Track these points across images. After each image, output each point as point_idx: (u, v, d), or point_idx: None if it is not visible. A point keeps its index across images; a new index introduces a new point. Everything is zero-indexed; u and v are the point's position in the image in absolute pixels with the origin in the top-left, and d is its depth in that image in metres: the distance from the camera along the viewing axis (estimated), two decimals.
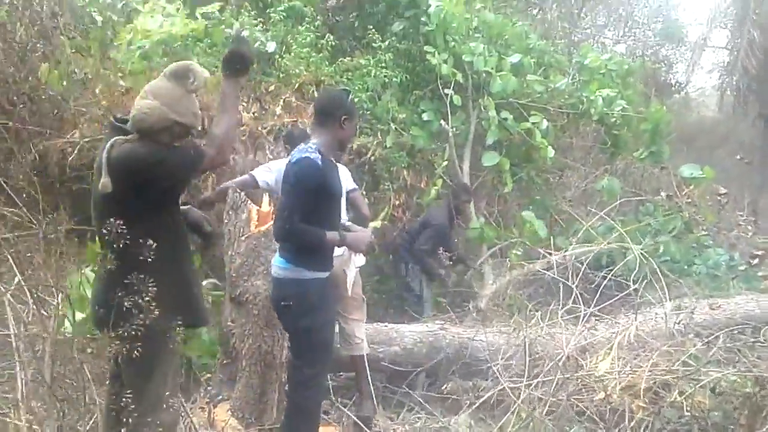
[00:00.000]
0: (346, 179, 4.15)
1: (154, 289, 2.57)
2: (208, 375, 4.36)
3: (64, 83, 5.41)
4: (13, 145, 5.17)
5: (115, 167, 2.64)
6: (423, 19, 6.35)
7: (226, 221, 4.17)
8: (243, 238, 4.02)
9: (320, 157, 3.20)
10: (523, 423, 3.57)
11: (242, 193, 4.12)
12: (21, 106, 5.33)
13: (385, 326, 5.04)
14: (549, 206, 6.54)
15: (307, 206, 3.18)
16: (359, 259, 3.95)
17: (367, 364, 4.32)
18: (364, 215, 4.39)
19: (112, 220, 2.52)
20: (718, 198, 6.31)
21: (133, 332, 2.58)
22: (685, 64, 15.95)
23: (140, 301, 2.58)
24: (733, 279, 5.87)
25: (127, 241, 2.55)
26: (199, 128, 3.09)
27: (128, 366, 2.72)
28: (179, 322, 2.74)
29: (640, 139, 6.88)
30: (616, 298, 4.91)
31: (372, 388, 4.37)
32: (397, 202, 6.12)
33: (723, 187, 6.49)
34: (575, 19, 11.46)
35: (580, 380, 3.61)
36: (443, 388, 4.70)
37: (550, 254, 5.39)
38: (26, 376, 2.90)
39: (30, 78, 5.45)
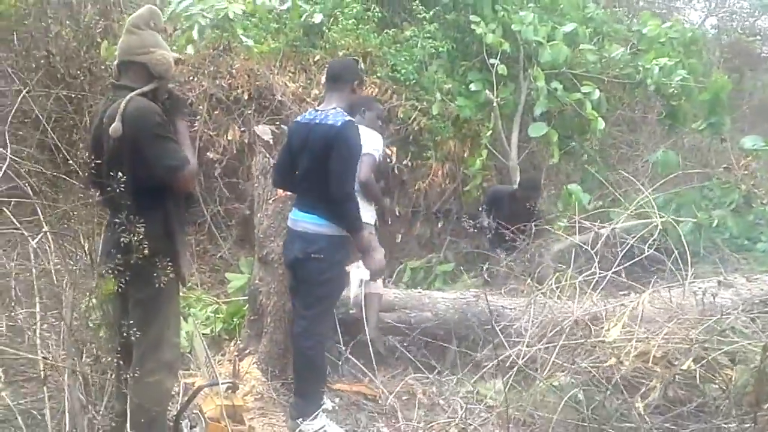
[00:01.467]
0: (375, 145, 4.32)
1: (153, 236, 2.81)
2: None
3: None
4: (74, 115, 5.52)
5: (131, 117, 2.84)
6: None
7: (255, 185, 4.31)
8: (270, 201, 4.15)
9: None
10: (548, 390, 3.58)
11: (270, 158, 4.25)
12: (82, 78, 5.65)
13: (418, 292, 5.09)
14: (601, 179, 6.36)
15: (356, 168, 3.53)
16: (364, 273, 3.90)
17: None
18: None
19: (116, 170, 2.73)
20: None
21: (135, 275, 2.80)
22: None
23: (140, 244, 2.79)
24: None
25: (131, 192, 2.77)
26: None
27: (133, 308, 2.95)
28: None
29: (700, 110, 6.61)
30: (657, 272, 4.75)
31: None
32: (440, 171, 6.12)
33: None
34: None
35: (595, 347, 3.55)
36: (475, 355, 4.72)
37: (595, 227, 5.26)
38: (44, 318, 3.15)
39: (92, 52, 5.79)
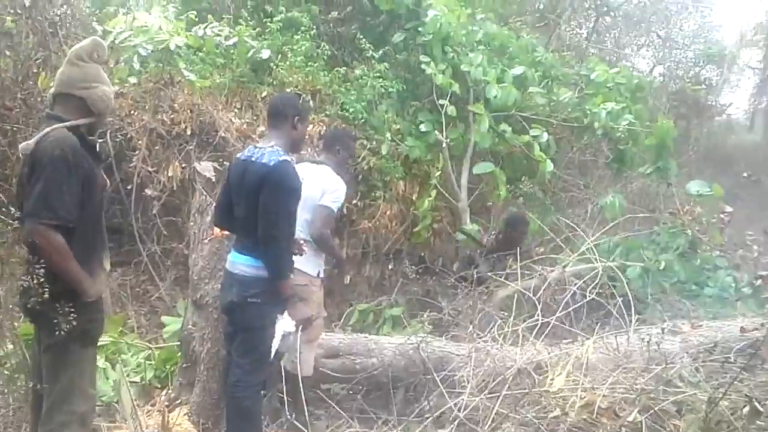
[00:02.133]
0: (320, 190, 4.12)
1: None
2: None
3: None
4: (6, 148, 5.28)
5: (45, 143, 2.68)
6: (420, 29, 6.29)
7: (192, 223, 4.14)
8: (206, 240, 3.98)
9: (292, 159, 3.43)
10: None
11: (207, 197, 4.09)
12: (16, 110, 5.43)
13: (364, 337, 4.93)
14: (548, 222, 6.34)
15: (288, 210, 3.38)
16: (289, 324, 3.62)
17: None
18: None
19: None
20: (722, 216, 6.03)
21: (46, 322, 2.60)
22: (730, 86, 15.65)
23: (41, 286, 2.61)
24: (737, 301, 5.60)
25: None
26: None
27: (44, 353, 2.74)
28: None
29: (647, 154, 6.68)
30: (603, 319, 4.69)
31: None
32: (388, 212, 6.02)
33: (728, 206, 6.20)
34: (596, 36, 11.27)
35: (539, 396, 3.45)
36: (423, 403, 4.56)
37: (539, 273, 5.20)
38: None
39: (28, 83, 5.58)
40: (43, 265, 2.58)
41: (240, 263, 3.45)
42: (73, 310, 2.63)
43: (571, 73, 7.16)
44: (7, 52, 5.94)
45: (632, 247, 5.98)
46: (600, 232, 5.77)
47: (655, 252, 6.06)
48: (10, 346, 3.37)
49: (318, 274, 4.19)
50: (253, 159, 3.40)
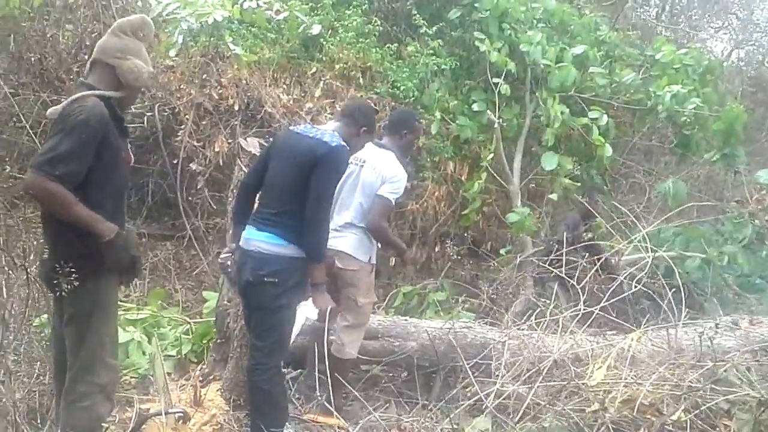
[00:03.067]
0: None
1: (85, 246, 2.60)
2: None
3: None
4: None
5: (71, 106, 2.64)
6: (477, 5, 6.08)
7: (231, 198, 4.09)
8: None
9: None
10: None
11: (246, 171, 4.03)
12: (70, 82, 5.51)
13: (405, 320, 4.83)
14: (607, 208, 6.07)
15: (334, 194, 3.37)
16: (311, 311, 3.58)
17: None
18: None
19: None
20: None
21: (66, 290, 2.59)
22: None
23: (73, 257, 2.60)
24: None
25: None
26: None
27: (66, 326, 2.74)
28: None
29: (714, 140, 6.30)
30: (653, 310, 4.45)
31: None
32: (436, 193, 5.87)
33: None
34: (670, 17, 10.75)
35: (577, 389, 3.27)
36: (461, 390, 4.44)
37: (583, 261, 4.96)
38: None
39: (81, 55, 5.66)
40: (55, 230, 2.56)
41: (257, 240, 3.25)
42: (88, 280, 2.61)
43: (635, 54, 6.80)
44: (67, 26, 6.07)
45: (693, 236, 5.67)
46: (659, 220, 5.51)
47: (718, 243, 5.74)
48: (45, 317, 3.39)
49: (369, 260, 3.99)
50: (311, 135, 3.29)
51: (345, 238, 3.88)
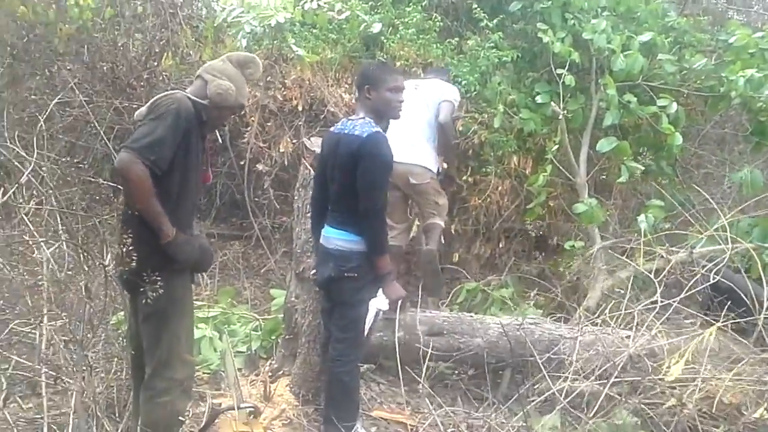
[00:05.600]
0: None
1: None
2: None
3: (181, 67, 5.73)
4: (130, 126, 5.56)
5: (159, 98, 2.85)
6: None
7: (296, 197, 4.15)
8: (309, 214, 3.97)
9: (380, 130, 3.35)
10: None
11: (312, 170, 4.08)
12: (141, 88, 5.70)
13: (470, 316, 4.80)
14: (680, 199, 5.86)
15: (386, 183, 3.36)
16: (383, 302, 3.65)
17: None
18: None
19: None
20: None
21: (143, 289, 2.68)
22: None
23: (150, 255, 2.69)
24: None
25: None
26: None
27: (143, 323, 2.83)
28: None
29: None
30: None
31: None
32: (500, 188, 5.80)
33: None
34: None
35: (653, 385, 3.18)
36: (531, 386, 4.38)
37: (664, 253, 4.80)
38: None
39: (152, 62, 5.84)
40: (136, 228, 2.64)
41: (335, 238, 3.42)
42: (164, 279, 2.69)
43: (707, 39, 6.55)
44: (137, 35, 6.27)
45: None
46: (735, 210, 5.28)
47: None
48: (122, 314, 3.50)
49: (437, 171, 4.83)
50: (345, 132, 3.36)
51: (419, 151, 4.69)
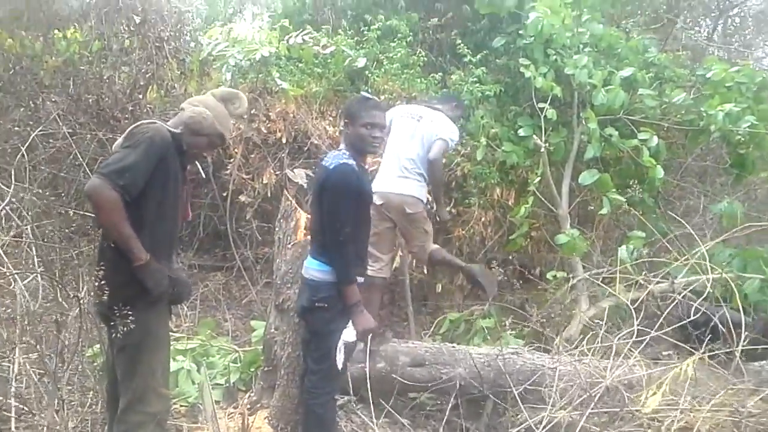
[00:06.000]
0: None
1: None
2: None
3: (165, 100, 5.78)
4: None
5: (134, 128, 2.87)
6: (521, 32, 6.08)
7: (276, 228, 4.16)
8: (290, 245, 3.99)
9: (354, 162, 3.36)
10: None
11: (293, 201, 4.11)
12: (125, 120, 5.73)
13: (452, 346, 4.79)
14: (663, 230, 5.90)
15: (351, 213, 3.30)
16: (350, 334, 3.51)
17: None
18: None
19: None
20: None
21: (117, 322, 2.67)
22: None
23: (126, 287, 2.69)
24: None
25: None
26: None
27: (117, 356, 2.81)
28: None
29: None
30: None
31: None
32: (483, 219, 5.83)
33: None
34: (724, 37, 10.53)
35: (630, 415, 3.17)
36: (510, 416, 4.35)
37: (650, 281, 4.82)
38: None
39: (137, 95, 5.89)
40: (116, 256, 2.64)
41: (311, 267, 3.44)
42: (139, 311, 2.69)
43: (686, 74, 6.67)
44: (123, 68, 6.33)
45: (751, 257, 5.46)
46: (714, 241, 5.33)
47: None
48: (97, 347, 3.48)
49: (426, 202, 4.90)
50: (322, 163, 3.46)
51: (409, 183, 4.73)
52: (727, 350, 3.75)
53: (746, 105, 6.05)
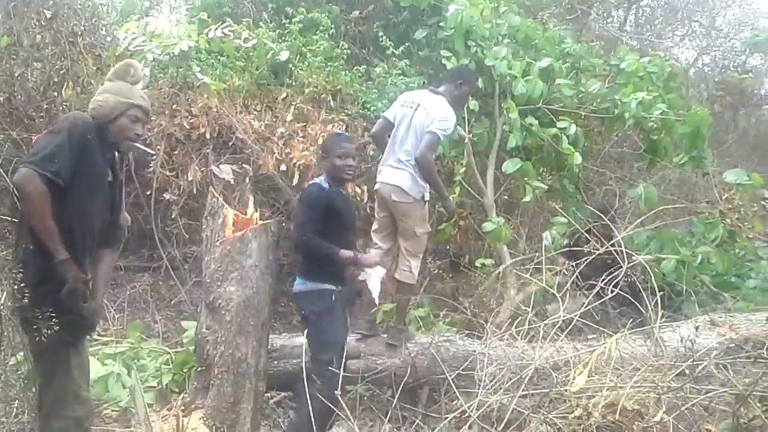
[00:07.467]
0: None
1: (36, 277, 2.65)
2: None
3: (82, 97, 5.57)
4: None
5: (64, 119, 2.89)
6: (442, 24, 6.17)
7: (204, 226, 4.10)
8: (218, 243, 3.94)
9: (329, 184, 3.94)
10: None
11: (220, 198, 4.06)
12: (40, 119, 5.51)
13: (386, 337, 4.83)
14: (580, 215, 6.11)
15: (317, 224, 3.80)
16: (379, 270, 4.04)
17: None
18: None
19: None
20: (763, 204, 5.73)
21: (29, 327, 2.59)
22: None
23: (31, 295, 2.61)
24: None
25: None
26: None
27: (35, 362, 2.74)
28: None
29: (682, 144, 6.40)
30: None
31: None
32: None
33: None
34: (635, 27, 10.96)
35: (559, 396, 3.29)
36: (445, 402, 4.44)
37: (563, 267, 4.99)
38: None
39: (52, 92, 5.66)
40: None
41: (295, 283, 4.00)
42: (55, 314, 2.61)
43: (600, 64, 6.92)
44: (35, 64, 6.06)
45: (667, 239, 5.74)
46: (633, 225, 5.56)
47: (692, 244, 5.81)
48: (21, 354, 3.35)
49: (422, 197, 4.61)
50: None
51: (400, 174, 4.53)
52: (647, 328, 3.93)
53: (657, 93, 6.35)
